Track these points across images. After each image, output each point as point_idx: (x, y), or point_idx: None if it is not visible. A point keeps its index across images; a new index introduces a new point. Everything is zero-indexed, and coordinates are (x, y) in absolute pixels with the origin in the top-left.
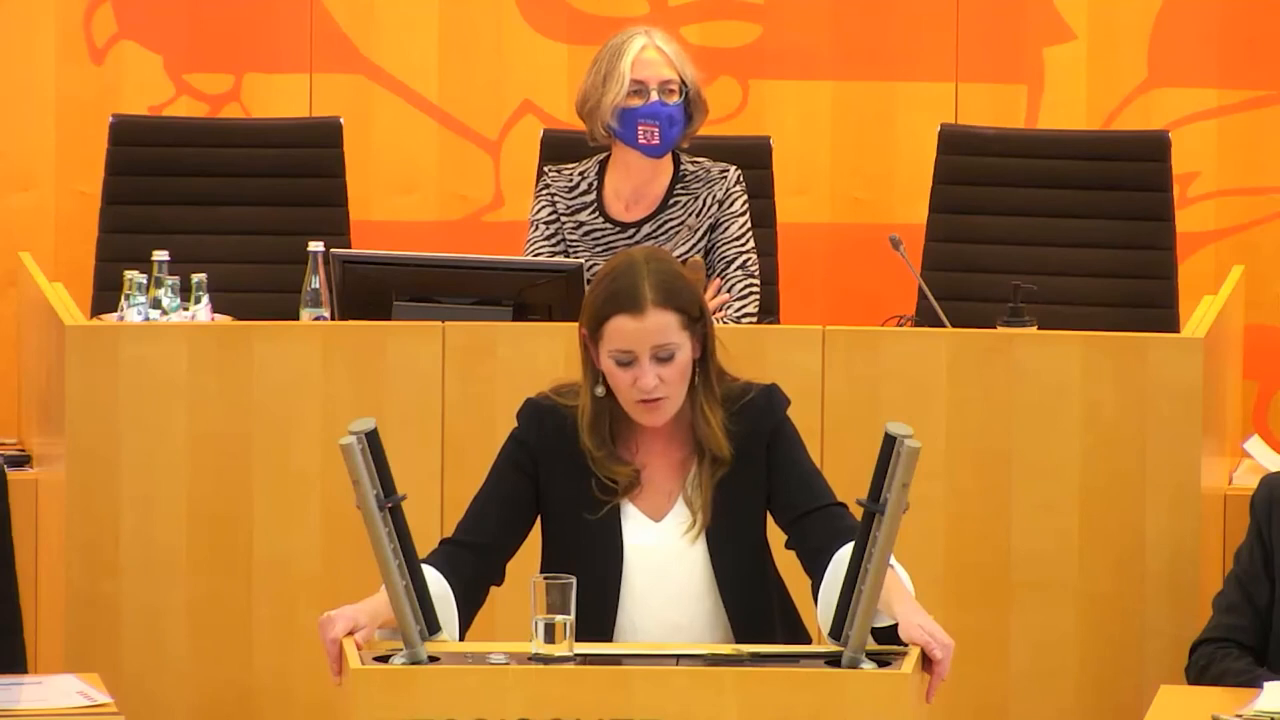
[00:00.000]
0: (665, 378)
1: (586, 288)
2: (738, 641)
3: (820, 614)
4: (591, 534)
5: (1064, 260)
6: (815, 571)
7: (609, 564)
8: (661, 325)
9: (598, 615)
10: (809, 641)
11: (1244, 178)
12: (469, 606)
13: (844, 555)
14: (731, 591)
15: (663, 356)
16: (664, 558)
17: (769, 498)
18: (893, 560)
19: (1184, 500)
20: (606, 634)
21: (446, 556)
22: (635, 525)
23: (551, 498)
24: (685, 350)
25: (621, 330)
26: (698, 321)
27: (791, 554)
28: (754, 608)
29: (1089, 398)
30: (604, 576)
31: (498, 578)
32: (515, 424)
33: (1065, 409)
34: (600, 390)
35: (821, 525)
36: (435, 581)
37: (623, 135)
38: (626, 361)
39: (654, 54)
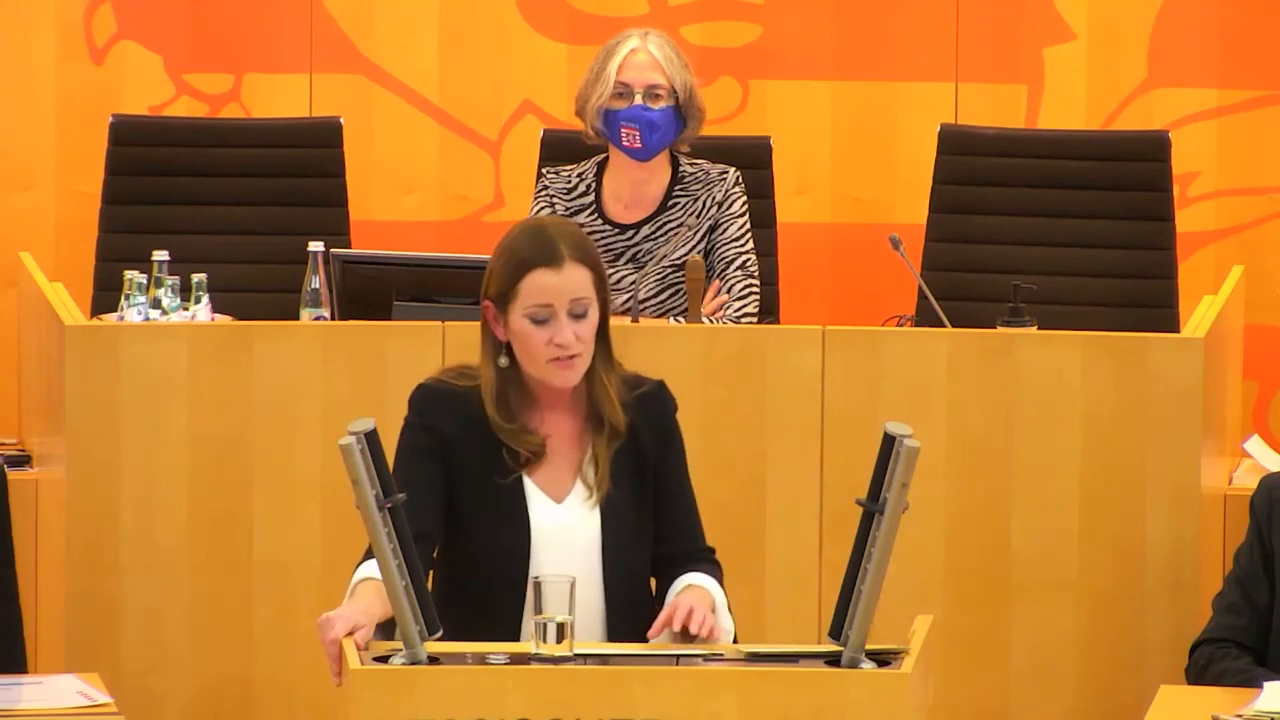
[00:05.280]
0: (580, 335)
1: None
2: (609, 625)
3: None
4: (496, 517)
5: (1064, 260)
6: (660, 581)
7: (516, 548)
8: (579, 280)
9: (507, 598)
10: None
11: (1244, 178)
12: None
13: (689, 578)
14: (614, 569)
15: (578, 313)
16: (567, 537)
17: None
18: (711, 583)
19: (1184, 500)
20: (517, 619)
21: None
22: (538, 505)
23: (456, 480)
24: (595, 310)
25: (540, 285)
26: (603, 283)
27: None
28: (633, 591)
29: (1089, 397)
30: (512, 560)
31: (431, 565)
32: (408, 411)
33: (1065, 409)
34: (504, 361)
35: (685, 562)
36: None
37: (608, 136)
38: (543, 318)
39: (644, 57)
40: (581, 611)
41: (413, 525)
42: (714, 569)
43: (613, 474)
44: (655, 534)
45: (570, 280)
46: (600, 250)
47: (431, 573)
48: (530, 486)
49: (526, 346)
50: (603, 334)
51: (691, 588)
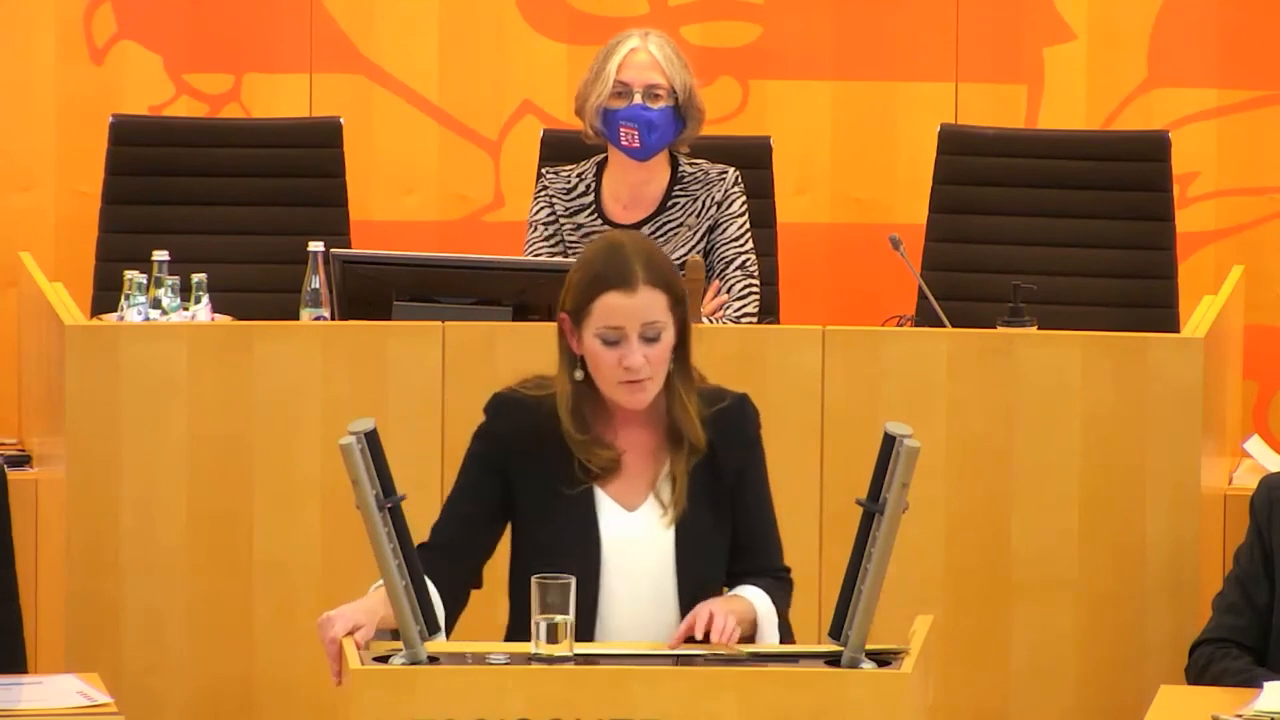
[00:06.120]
0: (650, 358)
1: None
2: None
3: None
4: (566, 526)
5: (1064, 260)
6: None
7: (586, 557)
8: (651, 303)
9: (578, 607)
10: None
11: (1244, 178)
12: (451, 610)
13: (738, 589)
14: (689, 585)
15: (650, 336)
16: (639, 549)
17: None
18: (756, 594)
19: (1184, 500)
20: (588, 630)
21: (424, 562)
22: (610, 514)
23: (522, 491)
24: (670, 332)
25: (612, 307)
26: (680, 304)
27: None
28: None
29: (1089, 397)
30: (581, 570)
31: (476, 579)
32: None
33: (1065, 409)
34: (580, 375)
35: (752, 578)
36: None
37: (607, 135)
38: (614, 340)
39: (644, 57)
40: (655, 628)
41: (444, 538)
42: (775, 584)
43: (689, 491)
44: (736, 548)
45: (643, 303)
46: None
47: (508, 581)
48: (601, 496)
49: (597, 366)
50: (682, 352)
51: (728, 597)
